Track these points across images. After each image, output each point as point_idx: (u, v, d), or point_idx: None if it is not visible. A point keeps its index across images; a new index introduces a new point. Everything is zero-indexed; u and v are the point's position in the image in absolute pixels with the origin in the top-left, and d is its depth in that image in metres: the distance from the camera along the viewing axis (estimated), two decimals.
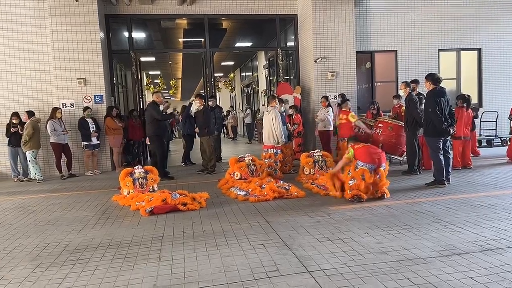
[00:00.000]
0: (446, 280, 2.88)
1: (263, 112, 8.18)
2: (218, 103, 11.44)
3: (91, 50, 9.01)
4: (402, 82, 7.57)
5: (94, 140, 8.84)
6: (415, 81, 8.51)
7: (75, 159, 8.92)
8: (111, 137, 9.02)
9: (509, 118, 8.74)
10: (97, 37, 9.02)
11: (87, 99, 9.09)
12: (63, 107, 8.88)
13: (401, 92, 7.54)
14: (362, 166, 5.34)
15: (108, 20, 9.74)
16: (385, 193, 5.49)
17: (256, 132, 16.54)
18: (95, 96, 9.14)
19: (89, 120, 8.78)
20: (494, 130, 10.51)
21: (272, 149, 7.44)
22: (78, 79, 8.95)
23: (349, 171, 5.47)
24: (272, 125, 7.31)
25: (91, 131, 8.74)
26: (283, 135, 7.40)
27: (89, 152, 8.89)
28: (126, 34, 10.16)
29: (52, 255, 3.82)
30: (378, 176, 5.39)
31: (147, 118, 7.81)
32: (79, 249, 3.95)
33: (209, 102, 9.89)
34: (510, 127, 8.79)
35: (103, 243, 4.10)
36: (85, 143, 8.78)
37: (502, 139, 10.53)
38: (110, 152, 9.36)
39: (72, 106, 9.02)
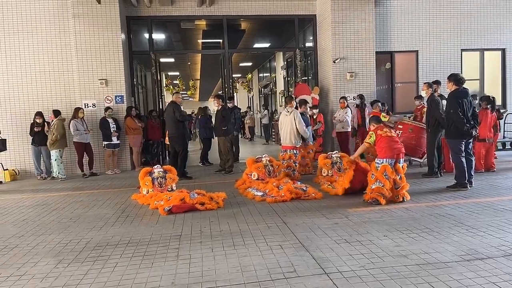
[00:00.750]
0: (468, 285, 2.82)
1: (280, 112, 8.20)
2: (236, 104, 11.48)
3: (113, 52, 9.19)
4: (424, 83, 7.44)
5: (115, 140, 9.01)
6: (437, 82, 8.35)
7: (96, 158, 9.11)
8: (131, 137, 9.17)
9: None
10: (119, 38, 9.20)
11: (108, 100, 9.27)
12: (85, 107, 9.08)
13: (423, 93, 7.40)
14: (383, 163, 5.19)
15: (129, 22, 9.92)
16: (405, 196, 5.39)
17: (273, 133, 16.52)
18: (116, 97, 9.32)
19: (110, 120, 8.96)
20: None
21: (292, 150, 7.41)
22: (99, 79, 9.14)
23: (372, 174, 5.30)
24: (294, 126, 7.26)
25: (112, 131, 8.91)
26: (309, 135, 7.53)
27: (109, 152, 9.06)
28: (146, 35, 10.32)
29: (73, 251, 3.91)
30: (399, 177, 5.27)
31: (167, 118, 7.91)
32: (100, 246, 4.03)
33: (228, 104, 9.93)
34: None
35: (123, 240, 4.18)
36: (106, 142, 8.96)
37: None
38: (130, 152, 9.52)
39: (94, 106, 9.22)
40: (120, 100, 9.35)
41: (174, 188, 6.31)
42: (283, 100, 14.33)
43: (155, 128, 9.82)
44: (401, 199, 5.34)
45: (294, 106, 7.64)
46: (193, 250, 3.79)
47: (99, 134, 9.05)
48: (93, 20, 9.08)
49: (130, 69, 9.98)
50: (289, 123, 7.35)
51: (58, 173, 8.53)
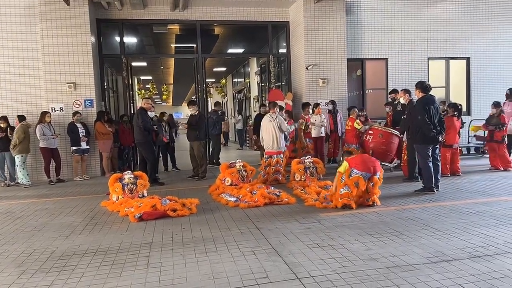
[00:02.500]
0: (435, 287, 2.89)
1: (254, 118, 8.27)
2: (212, 109, 11.58)
3: (82, 55, 8.95)
4: (401, 90, 7.66)
5: (84, 145, 8.75)
6: (395, 91, 8.71)
7: (64, 164, 8.81)
8: (101, 142, 8.93)
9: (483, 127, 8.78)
10: (88, 41, 8.97)
11: (76, 104, 9.01)
12: (52, 112, 8.78)
13: (402, 100, 7.58)
14: (357, 174, 5.23)
15: (99, 24, 9.70)
16: (375, 201, 5.49)
17: (247, 138, 16.53)
18: (85, 101, 9.07)
19: (79, 125, 8.70)
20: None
21: (278, 155, 7.51)
22: (68, 83, 8.87)
23: (342, 177, 5.34)
24: (278, 131, 7.40)
25: (81, 136, 8.65)
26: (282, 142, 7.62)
27: (78, 157, 8.79)
28: (117, 38, 10.12)
29: (38, 261, 3.75)
30: (371, 184, 5.36)
31: (134, 124, 7.82)
32: (66, 255, 3.88)
33: (215, 109, 10.51)
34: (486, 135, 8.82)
35: (91, 249, 4.04)
36: (74, 148, 8.68)
37: (481, 149, 10.69)
38: (99, 157, 9.26)
39: (61, 111, 8.94)
40: (89, 104, 9.10)
41: (145, 195, 6.18)
42: (258, 105, 14.40)
43: (126, 133, 9.61)
44: (371, 203, 5.44)
45: (277, 112, 7.73)
46: (164, 257, 3.71)
47: (67, 139, 8.76)
48: (61, 21, 8.82)
49: (100, 72, 9.74)
50: (272, 129, 7.42)
51: (23, 179, 8.18)
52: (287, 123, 9.31)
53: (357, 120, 8.43)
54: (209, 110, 11.30)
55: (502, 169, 8.04)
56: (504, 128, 8.11)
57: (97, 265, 3.58)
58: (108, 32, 10.61)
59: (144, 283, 3.15)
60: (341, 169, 5.41)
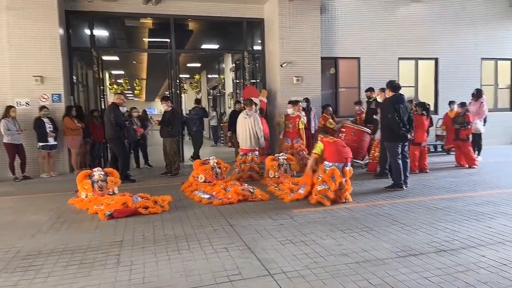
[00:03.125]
0: (402, 281, 2.98)
1: (229, 114, 8.23)
2: (194, 106, 11.67)
3: (50, 47, 8.62)
4: (379, 89, 7.81)
5: (51, 141, 8.45)
6: (371, 89, 8.89)
7: (30, 160, 8.47)
8: (69, 138, 8.65)
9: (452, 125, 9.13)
10: (56, 33, 8.65)
11: (43, 98, 8.68)
12: (17, 106, 8.42)
13: (378, 98, 7.70)
14: (331, 166, 5.35)
15: (68, 16, 9.36)
16: (347, 198, 5.60)
17: (222, 135, 16.45)
18: (52, 95, 8.75)
19: (46, 120, 8.38)
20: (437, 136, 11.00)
21: (253, 152, 7.50)
22: (34, 76, 8.52)
23: (319, 175, 5.44)
24: (254, 129, 7.40)
25: (48, 131, 8.35)
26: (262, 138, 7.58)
27: (44, 153, 8.48)
28: (87, 31, 9.82)
29: (2, 261, 3.61)
30: (344, 179, 5.46)
31: (105, 119, 7.64)
32: (31, 255, 3.75)
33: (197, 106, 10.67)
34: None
35: (57, 248, 3.91)
36: (41, 143, 8.37)
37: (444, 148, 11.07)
38: (68, 154, 8.98)
39: (27, 105, 8.59)
40: (57, 98, 8.79)
41: (116, 192, 6.04)
42: (233, 102, 14.36)
43: (97, 129, 9.35)
44: (344, 200, 5.53)
45: (254, 109, 7.75)
46: (135, 256, 3.65)
47: (33, 134, 8.42)
48: (28, 12, 8.45)
49: (69, 66, 9.41)
50: (248, 126, 7.42)
51: None
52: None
53: (330, 120, 8.54)
54: (183, 106, 11.19)
55: (467, 166, 8.36)
56: (470, 126, 8.43)
57: (64, 265, 3.48)
58: (78, 24, 10.26)
59: (113, 282, 3.08)
60: (316, 150, 5.54)
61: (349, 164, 5.50)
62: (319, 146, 5.57)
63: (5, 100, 8.49)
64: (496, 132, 11.45)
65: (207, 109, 18.57)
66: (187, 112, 18.38)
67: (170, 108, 8.42)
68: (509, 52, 12.36)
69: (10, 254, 3.78)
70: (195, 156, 10.15)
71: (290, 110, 8.22)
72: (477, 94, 9.25)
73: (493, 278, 2.98)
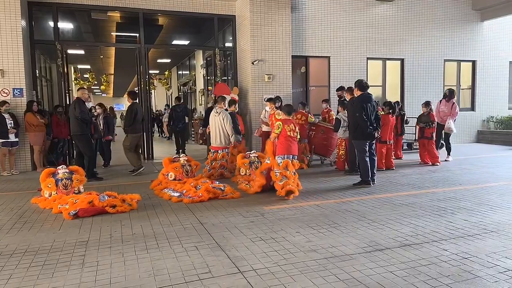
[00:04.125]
0: (369, 275, 3.06)
1: (200, 112, 8.13)
2: (175, 103, 12.05)
3: (11, 40, 8.23)
4: (346, 89, 7.90)
5: (12, 137, 8.07)
6: (342, 88, 9.03)
7: None
8: (31, 134, 8.30)
9: (417, 123, 9.48)
10: (18, 25, 8.26)
11: (4, 93, 8.28)
12: None
13: (347, 98, 7.76)
14: (284, 159, 5.69)
15: (31, 7, 8.96)
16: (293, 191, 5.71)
17: (192, 132, 16.28)
18: (13, 90, 8.36)
19: (6, 116, 7.99)
20: (414, 135, 11.40)
21: (223, 150, 7.50)
22: None
23: (276, 172, 5.70)
24: (224, 126, 7.36)
25: (9, 127, 7.96)
26: (234, 134, 7.50)
27: (5, 150, 8.09)
28: (51, 23, 9.42)
29: None
30: (293, 172, 5.75)
31: (70, 115, 7.38)
32: None
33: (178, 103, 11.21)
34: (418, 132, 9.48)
35: (19, 249, 3.75)
36: (1, 140, 7.97)
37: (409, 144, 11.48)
38: (30, 151, 8.61)
39: None
40: (18, 93, 8.41)
41: (82, 190, 5.86)
42: (203, 98, 14.21)
43: (61, 125, 9.02)
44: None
45: (225, 107, 7.74)
46: (101, 256, 3.55)
47: None
48: None
49: (32, 59, 9.02)
50: (218, 123, 7.39)
51: None
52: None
53: (310, 116, 8.62)
54: (152, 102, 10.97)
55: (431, 163, 8.69)
56: (434, 125, 8.75)
57: (26, 266, 3.33)
58: (41, 16, 9.83)
59: (78, 284, 2.98)
60: (276, 130, 5.77)
61: (295, 156, 5.87)
62: (280, 128, 5.79)
63: None
64: (458, 131, 11.97)
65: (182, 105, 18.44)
66: (164, 109, 18.25)
67: (131, 103, 8.14)
68: (471, 54, 12.94)
69: None
70: (183, 149, 10.79)
71: (268, 108, 8.28)
72: (449, 95, 9.33)
73: (455, 271, 3.11)
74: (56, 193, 5.58)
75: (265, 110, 8.85)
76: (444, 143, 9.47)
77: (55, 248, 3.77)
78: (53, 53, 9.83)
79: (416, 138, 10.14)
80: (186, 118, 11.79)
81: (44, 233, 4.27)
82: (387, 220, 4.52)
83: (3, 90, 8.29)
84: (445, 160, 9.12)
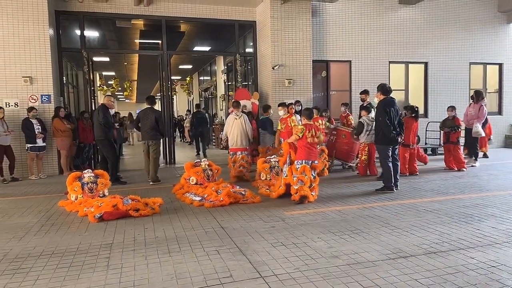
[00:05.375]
0: (393, 282, 3.00)
1: (221, 117, 8.21)
2: (197, 109, 13.21)
3: (39, 47, 8.54)
4: (362, 92, 7.80)
5: (40, 142, 8.35)
6: (366, 92, 8.93)
7: (18, 162, 8.37)
8: (59, 139, 8.56)
9: (439, 128, 9.29)
10: (46, 33, 8.57)
11: (32, 99, 8.58)
12: (6, 107, 8.32)
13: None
14: (302, 164, 5.68)
15: (58, 16, 9.29)
16: (315, 191, 5.82)
17: (213, 137, 16.42)
18: (42, 96, 8.66)
19: (34, 121, 8.28)
20: (438, 140, 11.15)
21: (243, 152, 7.72)
22: (23, 77, 8.43)
23: (294, 175, 5.72)
24: (244, 129, 7.67)
25: (36, 133, 8.24)
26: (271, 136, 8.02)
27: (33, 155, 8.37)
28: (78, 32, 9.73)
29: None
30: (313, 175, 5.75)
31: (94, 121, 7.57)
32: (20, 258, 3.69)
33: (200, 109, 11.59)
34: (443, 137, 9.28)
35: (47, 251, 3.86)
36: (29, 145, 8.26)
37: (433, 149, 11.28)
38: (57, 155, 8.87)
39: (16, 106, 8.48)
40: (46, 99, 8.70)
41: (106, 194, 5.99)
42: (224, 104, 14.34)
43: (87, 130, 9.26)
44: (313, 200, 5.75)
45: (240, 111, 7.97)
46: (125, 259, 3.61)
47: (22, 136, 8.32)
48: (17, 12, 8.36)
49: (59, 67, 9.33)
50: (239, 126, 7.65)
51: None
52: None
53: (324, 121, 8.56)
54: (175, 108, 11.15)
55: (456, 169, 8.46)
56: (459, 130, 8.53)
57: (53, 268, 3.43)
58: (68, 25, 10.18)
59: (103, 285, 3.05)
60: (299, 133, 5.74)
61: (316, 161, 5.87)
62: (302, 132, 5.74)
63: None
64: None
65: (203, 110, 18.75)
66: (185, 114, 18.89)
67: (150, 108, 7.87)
68: (498, 56, 12.58)
69: None
70: (204, 152, 11.87)
71: (281, 112, 8.26)
72: (476, 97, 9.04)
73: (482, 280, 3.02)
74: (82, 196, 5.73)
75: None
76: (481, 152, 9.16)
77: (81, 250, 3.86)
78: (79, 61, 10.13)
79: (441, 143, 9.93)
80: (207, 123, 12.27)
81: (71, 235, 4.39)
82: (411, 227, 4.43)
83: (32, 96, 8.59)
84: (472, 166, 8.87)
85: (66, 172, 8.48)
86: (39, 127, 8.34)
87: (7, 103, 8.41)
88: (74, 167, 9.06)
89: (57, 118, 8.52)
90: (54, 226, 4.78)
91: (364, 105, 8.85)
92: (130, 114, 17.49)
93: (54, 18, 9.09)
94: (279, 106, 8.23)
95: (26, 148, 8.30)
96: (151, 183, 7.56)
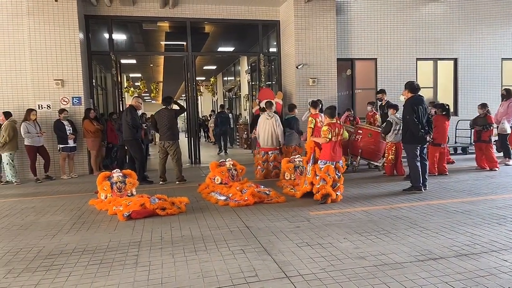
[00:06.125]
0: (422, 285, 2.93)
1: (245, 117, 8.24)
2: (221, 110, 14.65)
3: (70, 51, 8.83)
4: (379, 91, 7.68)
5: (71, 143, 8.64)
6: (383, 91, 8.76)
7: (51, 162, 8.67)
8: (89, 140, 8.83)
9: (470, 126, 9.00)
10: (76, 37, 8.86)
11: (64, 101, 8.89)
12: (39, 109, 8.66)
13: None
14: (326, 164, 5.66)
15: (88, 20, 9.58)
16: (340, 191, 5.79)
17: (237, 137, 16.51)
18: (73, 98, 8.95)
19: (65, 122, 8.58)
20: (469, 138, 10.79)
21: (274, 151, 7.91)
22: (55, 80, 8.75)
23: (316, 174, 5.74)
24: (275, 129, 7.83)
25: (68, 134, 8.54)
26: (282, 138, 7.97)
27: (65, 155, 8.68)
28: (106, 35, 10.01)
29: (24, 260, 3.70)
30: (338, 175, 5.71)
31: (122, 121, 7.76)
32: (53, 254, 3.83)
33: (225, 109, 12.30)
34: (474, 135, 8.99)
35: (78, 248, 4.00)
36: (61, 145, 8.57)
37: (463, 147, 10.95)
38: (87, 155, 9.16)
39: (48, 108, 8.81)
40: (77, 101, 8.99)
41: (134, 193, 6.14)
42: (247, 104, 14.39)
43: (115, 131, 9.52)
44: (338, 200, 5.72)
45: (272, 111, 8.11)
46: (153, 256, 3.69)
47: (55, 136, 8.65)
48: (49, 17, 8.69)
49: (89, 69, 9.63)
50: (270, 126, 7.82)
51: (12, 177, 8.07)
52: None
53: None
54: (200, 108, 11.29)
55: (488, 168, 8.17)
56: (491, 128, 8.24)
57: (84, 264, 3.55)
58: (97, 28, 10.48)
59: (132, 282, 3.12)
60: (328, 135, 5.64)
61: (340, 161, 5.79)
62: (330, 133, 5.63)
63: (27, 103, 8.74)
64: None
65: (226, 111, 18.99)
66: (209, 115, 19.56)
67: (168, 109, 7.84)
68: None
69: (32, 254, 3.88)
70: (225, 149, 13.15)
71: (313, 111, 8.24)
72: (507, 94, 8.81)
73: None
74: (111, 195, 5.88)
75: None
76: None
77: (110, 248, 3.97)
78: (107, 63, 10.42)
79: (472, 142, 9.62)
80: (230, 123, 12.73)
81: (101, 233, 4.52)
82: (440, 228, 4.31)
83: (63, 98, 8.89)
84: (505, 164, 8.54)
85: (95, 171, 8.75)
86: (70, 128, 8.64)
87: (40, 105, 8.75)
88: (103, 167, 9.34)
89: (87, 119, 8.80)
90: (85, 224, 4.94)
91: (383, 104, 8.72)
92: (152, 116, 17.79)
93: (83, 22, 9.38)
94: (311, 105, 8.07)
95: (58, 148, 8.62)
96: (177, 182, 7.67)
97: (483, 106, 8.47)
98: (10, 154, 8.04)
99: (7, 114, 8.15)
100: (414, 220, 4.64)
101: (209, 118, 19.63)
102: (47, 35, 8.70)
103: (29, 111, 8.23)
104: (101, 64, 12.16)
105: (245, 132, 14.07)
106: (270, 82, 11.97)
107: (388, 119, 7.84)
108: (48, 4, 8.63)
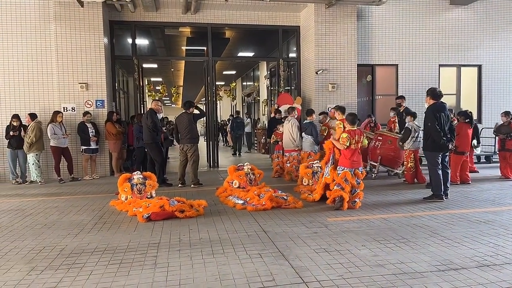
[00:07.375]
0: None
1: (263, 121, 8.36)
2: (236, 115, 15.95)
3: (94, 55, 9.07)
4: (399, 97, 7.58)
5: (93, 145, 8.85)
6: (402, 97, 8.65)
7: (74, 163, 8.90)
8: (111, 142, 9.03)
9: (494, 133, 8.76)
10: (101, 42, 9.10)
11: (88, 104, 9.12)
12: (64, 111, 8.91)
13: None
14: (344, 170, 5.62)
15: (112, 26, 9.83)
16: (359, 197, 5.74)
17: (255, 141, 16.55)
18: (96, 101, 9.18)
19: (89, 125, 8.81)
20: (493, 147, 10.52)
21: (294, 153, 8.27)
22: (80, 83, 8.99)
23: (333, 179, 5.74)
24: (292, 132, 8.18)
25: (90, 136, 8.75)
26: (299, 141, 8.19)
27: (87, 156, 8.89)
28: (129, 40, 10.24)
29: (47, 258, 3.80)
30: (357, 182, 5.65)
31: (143, 125, 7.89)
32: (75, 253, 3.93)
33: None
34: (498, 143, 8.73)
35: (99, 248, 4.09)
36: (84, 147, 8.80)
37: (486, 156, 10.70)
38: (109, 157, 9.36)
39: (73, 110, 9.05)
40: (100, 104, 9.21)
41: (154, 195, 6.23)
42: (267, 109, 14.43)
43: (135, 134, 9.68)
44: (357, 207, 5.66)
45: (294, 116, 8.47)
46: (171, 258, 3.74)
47: (78, 138, 8.88)
48: (75, 23, 8.95)
49: (112, 73, 9.86)
50: (288, 129, 8.27)
51: (37, 176, 8.32)
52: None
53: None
54: (219, 112, 11.39)
55: None
56: None
57: (105, 264, 3.62)
58: (121, 33, 10.74)
59: (151, 283, 3.18)
60: (346, 142, 5.58)
61: (360, 168, 5.73)
62: (349, 140, 5.57)
63: (53, 106, 9.01)
64: None
65: (241, 116, 19.10)
66: (228, 119, 20.14)
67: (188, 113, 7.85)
68: None
69: (55, 252, 3.99)
70: (239, 152, 14.52)
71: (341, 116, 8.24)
72: None
73: None
74: (131, 197, 6.00)
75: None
76: None
77: (130, 248, 4.05)
78: (130, 67, 10.63)
79: (496, 151, 9.37)
80: (247, 128, 14.59)
81: (121, 233, 4.61)
82: (462, 238, 4.21)
83: (87, 101, 9.13)
84: None
85: (117, 173, 8.93)
86: (93, 130, 8.85)
87: (65, 108, 9.00)
88: (124, 168, 9.51)
89: (109, 122, 9.00)
90: (106, 224, 5.05)
91: (400, 110, 8.62)
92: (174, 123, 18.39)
93: (108, 27, 9.62)
94: (337, 110, 8.02)
95: (81, 150, 8.84)
96: (192, 185, 7.73)
97: (507, 114, 8.25)
98: (36, 154, 8.29)
99: (33, 116, 8.42)
100: (434, 229, 4.56)
101: (227, 123, 19.75)
102: (73, 40, 8.96)
103: (56, 113, 8.49)
104: (123, 68, 12.43)
105: (263, 137, 14.10)
106: (289, 87, 11.98)
107: (406, 125, 7.72)
108: (74, 10, 8.91)
